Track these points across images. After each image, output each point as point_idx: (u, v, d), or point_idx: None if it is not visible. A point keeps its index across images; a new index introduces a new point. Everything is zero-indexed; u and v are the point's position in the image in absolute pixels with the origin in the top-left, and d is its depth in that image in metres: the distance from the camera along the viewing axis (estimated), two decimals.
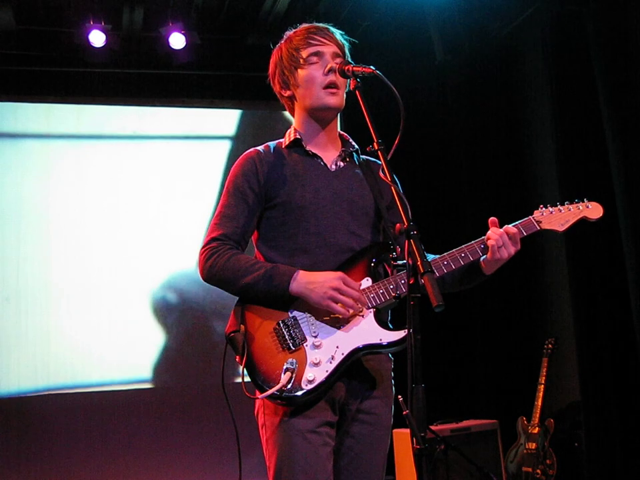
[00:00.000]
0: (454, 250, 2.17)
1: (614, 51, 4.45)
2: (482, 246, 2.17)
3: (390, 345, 2.10)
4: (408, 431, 1.73)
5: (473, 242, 2.19)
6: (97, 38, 5.13)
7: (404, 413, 1.71)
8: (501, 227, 2.20)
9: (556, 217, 2.24)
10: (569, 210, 2.25)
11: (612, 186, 4.41)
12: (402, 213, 1.87)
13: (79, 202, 5.61)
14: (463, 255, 2.16)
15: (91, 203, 5.64)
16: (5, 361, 5.31)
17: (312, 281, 2.09)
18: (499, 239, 2.14)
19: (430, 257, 2.22)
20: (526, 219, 2.24)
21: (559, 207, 2.26)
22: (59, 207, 5.57)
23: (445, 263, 2.15)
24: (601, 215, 2.25)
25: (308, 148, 2.31)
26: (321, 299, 2.07)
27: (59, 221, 5.56)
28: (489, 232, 2.18)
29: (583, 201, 2.27)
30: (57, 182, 5.60)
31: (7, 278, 5.41)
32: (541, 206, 2.26)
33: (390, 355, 2.29)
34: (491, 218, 2.20)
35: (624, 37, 4.41)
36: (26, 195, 5.53)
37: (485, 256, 2.18)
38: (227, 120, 6.06)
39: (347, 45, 2.35)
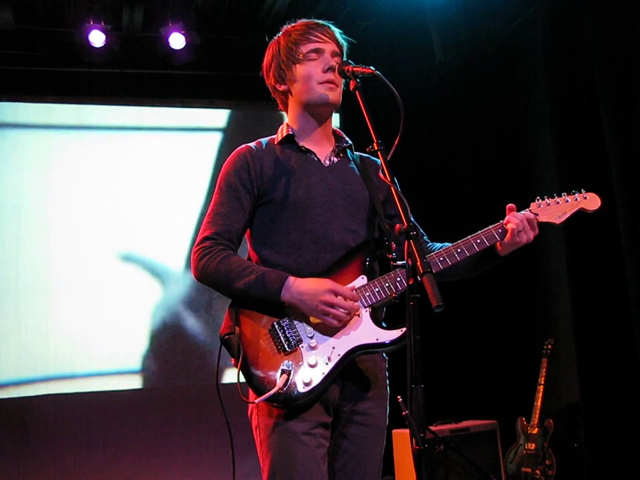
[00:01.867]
0: (469, 237, 2.15)
1: (613, 51, 4.45)
2: (499, 230, 2.15)
3: (387, 344, 2.08)
4: (407, 431, 1.72)
5: (490, 227, 2.17)
6: (97, 38, 5.13)
7: (403, 413, 1.70)
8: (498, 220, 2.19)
9: (553, 209, 2.20)
10: (566, 201, 2.21)
11: (611, 186, 4.41)
12: (402, 213, 1.85)
13: (76, 196, 5.60)
14: (479, 241, 2.14)
15: (89, 197, 5.63)
16: (5, 361, 5.30)
17: (303, 292, 2.06)
18: (520, 223, 2.14)
19: (445, 244, 2.21)
20: (523, 212, 2.21)
21: (555, 198, 2.22)
22: (58, 201, 5.56)
23: (459, 250, 2.13)
24: (599, 206, 2.20)
25: (301, 144, 2.28)
26: (312, 312, 2.06)
27: (57, 216, 5.55)
28: (508, 216, 2.17)
29: (580, 192, 2.23)
30: (55, 177, 5.59)
31: (6, 275, 5.41)
32: (538, 198, 2.23)
33: (384, 355, 2.27)
34: (509, 205, 2.20)
35: (623, 37, 4.41)
36: (24, 190, 5.52)
37: (500, 240, 2.17)
38: (225, 120, 6.06)
39: (345, 44, 2.33)
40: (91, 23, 5.10)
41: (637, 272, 4.29)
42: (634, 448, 4.39)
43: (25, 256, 5.45)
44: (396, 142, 1.95)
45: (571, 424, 5.00)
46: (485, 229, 2.17)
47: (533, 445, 4.76)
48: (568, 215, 2.21)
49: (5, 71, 5.45)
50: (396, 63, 5.56)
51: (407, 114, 1.95)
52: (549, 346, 4.96)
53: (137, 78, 5.76)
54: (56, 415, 5.33)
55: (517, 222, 2.14)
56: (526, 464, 4.77)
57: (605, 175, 4.45)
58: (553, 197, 2.22)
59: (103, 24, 5.12)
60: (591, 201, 2.21)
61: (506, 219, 2.17)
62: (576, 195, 2.22)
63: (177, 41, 5.28)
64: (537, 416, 4.81)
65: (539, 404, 4.82)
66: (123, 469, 5.33)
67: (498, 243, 2.17)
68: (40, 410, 5.30)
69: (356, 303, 2.09)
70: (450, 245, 2.18)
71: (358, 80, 2.11)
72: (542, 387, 4.84)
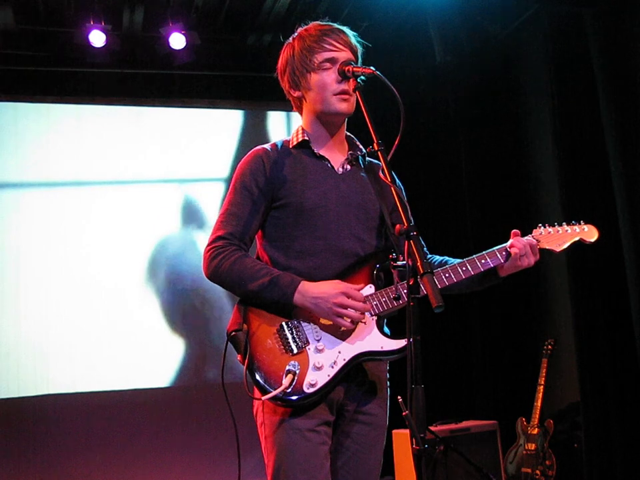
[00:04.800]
0: (474, 256, 2.21)
1: (614, 52, 4.45)
2: (504, 253, 2.22)
3: (391, 352, 2.12)
4: (407, 431, 1.73)
5: (494, 248, 2.23)
6: (97, 38, 5.12)
7: (403, 413, 1.71)
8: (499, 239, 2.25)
9: (553, 237, 2.31)
10: (566, 231, 2.32)
11: (612, 186, 4.41)
12: (402, 213, 1.87)
13: (78, 204, 5.61)
14: (483, 261, 2.20)
15: (92, 204, 5.64)
16: (5, 363, 5.30)
17: (316, 295, 2.09)
18: (523, 248, 2.20)
19: (446, 258, 2.28)
20: (526, 237, 2.28)
21: (556, 227, 2.33)
22: (58, 209, 5.57)
23: (464, 268, 2.18)
24: (596, 237, 2.32)
25: (315, 150, 2.30)
26: (326, 314, 2.09)
27: (59, 224, 5.55)
28: (512, 240, 2.23)
29: (579, 223, 2.34)
30: (56, 186, 5.60)
31: (5, 280, 5.41)
32: (539, 225, 2.33)
33: None
34: (514, 230, 2.27)
35: (624, 37, 4.41)
36: (25, 200, 5.52)
37: (503, 262, 2.23)
38: (226, 120, 6.06)
39: (360, 48, 2.33)
40: (91, 22, 5.09)
41: (636, 272, 4.29)
42: (634, 448, 4.40)
43: (26, 263, 5.45)
44: (396, 142, 1.96)
45: (571, 424, 5.00)
46: (490, 250, 2.23)
47: (533, 445, 4.76)
48: (567, 244, 2.32)
49: (5, 71, 5.45)
50: (396, 63, 5.56)
51: (407, 114, 1.95)
52: (549, 346, 4.96)
53: (137, 78, 5.76)
54: (56, 415, 5.32)
55: (520, 247, 2.20)
56: (526, 464, 4.77)
57: (605, 176, 4.45)
58: (553, 226, 2.33)
59: (103, 24, 5.11)
60: (590, 233, 2.33)
61: (510, 242, 2.23)
62: (575, 226, 2.33)
63: (177, 40, 5.27)
64: (537, 416, 4.81)
65: (539, 404, 4.82)
66: (123, 468, 5.33)
67: (500, 266, 2.23)
68: (40, 410, 5.30)
69: (366, 304, 2.12)
70: (451, 259, 2.24)
71: (358, 80, 2.12)
72: (542, 387, 4.84)
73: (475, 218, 5.93)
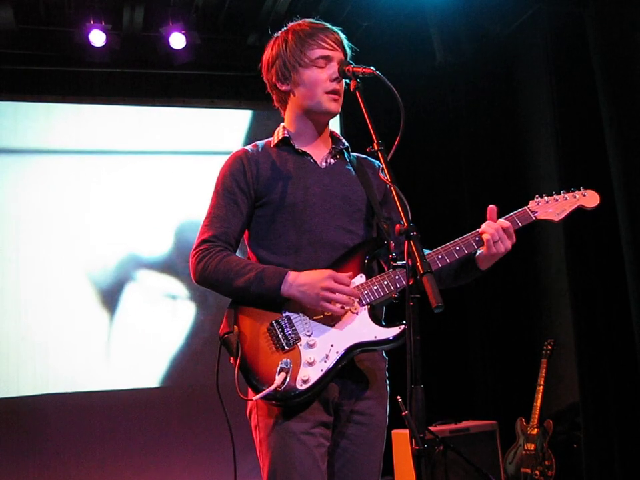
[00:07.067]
0: (448, 243, 2.15)
1: (614, 52, 4.45)
2: (476, 239, 2.13)
3: (385, 342, 2.08)
4: (407, 431, 1.73)
5: (467, 235, 2.15)
6: (97, 38, 5.12)
7: (403, 413, 1.70)
8: (499, 218, 2.17)
9: (552, 207, 2.20)
10: (565, 199, 2.22)
11: (611, 186, 4.41)
12: (402, 213, 1.85)
13: (78, 205, 5.60)
14: (457, 248, 2.12)
15: (91, 210, 5.63)
16: (5, 363, 5.30)
17: (302, 283, 2.07)
18: (495, 233, 2.11)
19: (425, 251, 2.21)
20: (521, 209, 2.21)
21: (554, 196, 2.22)
22: (58, 210, 5.56)
23: (440, 257, 2.12)
24: (598, 203, 2.21)
25: (297, 146, 2.30)
26: (314, 301, 2.06)
27: (58, 224, 5.54)
28: (483, 226, 2.14)
29: (579, 189, 2.23)
30: (56, 186, 5.59)
31: (5, 281, 5.40)
32: (537, 196, 2.22)
33: (384, 354, 2.28)
34: (490, 206, 2.17)
35: (624, 38, 4.41)
36: (25, 199, 5.52)
37: (480, 251, 2.15)
38: (225, 120, 6.05)
39: (349, 52, 2.32)
40: (92, 22, 5.09)
41: (636, 272, 4.29)
42: (634, 448, 4.40)
43: (25, 260, 5.45)
44: (396, 142, 1.95)
45: (571, 425, 5.00)
46: (463, 236, 2.15)
47: (533, 445, 4.76)
48: (567, 212, 2.21)
49: (5, 71, 5.45)
50: (396, 63, 5.57)
51: (407, 114, 1.95)
52: (549, 346, 4.97)
53: (137, 78, 5.76)
54: (55, 415, 5.32)
55: (491, 232, 2.11)
56: (525, 464, 4.77)
57: (605, 176, 4.45)
58: (551, 195, 2.22)
59: (103, 23, 5.11)
60: (590, 198, 2.22)
61: (481, 228, 2.15)
62: (575, 192, 2.23)
63: (177, 40, 5.28)
64: (537, 416, 4.81)
65: (539, 404, 4.82)
66: (122, 468, 5.33)
67: (477, 256, 2.16)
68: (39, 409, 5.30)
69: (355, 289, 2.09)
70: (430, 251, 2.16)
71: (358, 80, 2.12)
72: (541, 387, 4.85)
73: (475, 220, 5.93)
